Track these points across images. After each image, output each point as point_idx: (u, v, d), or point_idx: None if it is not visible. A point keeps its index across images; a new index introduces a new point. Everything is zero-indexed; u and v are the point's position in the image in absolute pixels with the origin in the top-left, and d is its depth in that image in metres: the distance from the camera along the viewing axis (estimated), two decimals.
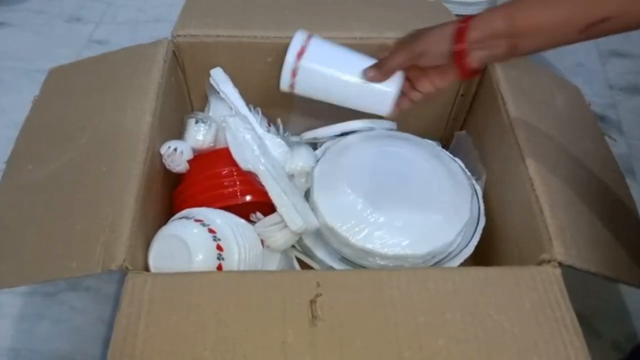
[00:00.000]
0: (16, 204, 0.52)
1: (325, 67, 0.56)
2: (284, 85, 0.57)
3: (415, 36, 0.51)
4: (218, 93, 0.67)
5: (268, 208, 0.57)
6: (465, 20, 0.48)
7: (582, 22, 0.42)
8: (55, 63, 0.67)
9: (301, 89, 0.57)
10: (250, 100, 0.68)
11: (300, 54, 0.55)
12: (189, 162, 0.60)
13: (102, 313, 0.69)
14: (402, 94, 0.56)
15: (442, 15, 0.72)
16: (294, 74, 0.56)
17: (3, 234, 0.50)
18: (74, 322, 0.68)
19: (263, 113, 0.69)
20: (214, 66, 0.67)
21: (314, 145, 0.69)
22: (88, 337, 0.67)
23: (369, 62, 0.55)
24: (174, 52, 0.65)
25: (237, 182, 0.58)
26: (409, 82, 0.56)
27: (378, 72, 0.54)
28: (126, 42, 0.67)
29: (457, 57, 0.48)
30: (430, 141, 0.69)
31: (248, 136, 0.59)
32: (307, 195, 0.61)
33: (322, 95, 0.58)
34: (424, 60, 0.51)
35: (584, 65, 1.05)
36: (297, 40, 0.56)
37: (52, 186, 0.52)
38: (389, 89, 0.55)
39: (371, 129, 0.67)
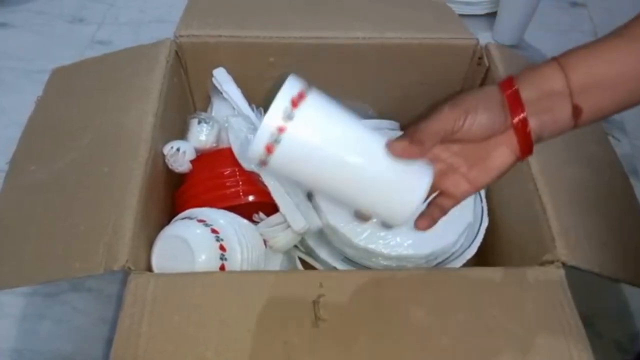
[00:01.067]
0: (18, 204, 0.52)
1: (324, 139, 0.36)
2: (254, 156, 0.36)
3: (453, 100, 0.38)
4: (221, 93, 0.67)
5: (271, 208, 0.57)
6: (509, 81, 0.38)
7: None
8: (57, 64, 0.67)
9: (277, 166, 0.37)
10: (253, 100, 0.68)
11: (287, 115, 0.35)
12: (192, 162, 0.60)
13: (104, 313, 0.68)
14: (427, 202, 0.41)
15: (446, 15, 0.72)
16: (272, 144, 0.35)
17: (5, 234, 0.50)
18: (75, 323, 0.68)
19: (266, 113, 0.69)
20: (216, 66, 0.67)
21: None
22: (90, 338, 0.66)
23: (382, 136, 0.38)
24: (176, 52, 0.65)
25: (240, 182, 0.58)
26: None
27: (410, 145, 0.37)
28: (128, 43, 0.67)
29: (518, 127, 0.37)
30: None
31: (251, 136, 0.59)
32: (310, 195, 0.61)
33: (306, 179, 0.38)
34: (471, 130, 0.37)
35: None
36: (288, 91, 0.36)
37: (54, 186, 0.52)
38: (423, 176, 0.38)
39: (374, 128, 0.67)
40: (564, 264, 0.47)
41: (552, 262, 0.47)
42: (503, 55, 0.65)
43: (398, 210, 0.39)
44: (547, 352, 0.41)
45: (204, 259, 0.50)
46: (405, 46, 0.66)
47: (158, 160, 0.56)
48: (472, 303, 0.44)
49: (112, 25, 1.10)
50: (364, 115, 0.70)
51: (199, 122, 0.62)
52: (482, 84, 0.68)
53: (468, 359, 0.41)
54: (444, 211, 0.42)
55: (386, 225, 0.44)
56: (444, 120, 0.37)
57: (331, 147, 0.36)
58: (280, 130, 0.35)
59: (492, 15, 1.06)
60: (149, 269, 0.50)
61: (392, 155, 0.37)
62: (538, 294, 0.45)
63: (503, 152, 0.39)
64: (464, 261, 0.57)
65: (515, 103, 0.37)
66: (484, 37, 0.90)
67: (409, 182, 0.38)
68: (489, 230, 0.60)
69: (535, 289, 0.45)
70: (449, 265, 0.57)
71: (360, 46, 0.66)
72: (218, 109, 0.68)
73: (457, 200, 0.41)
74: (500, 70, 0.63)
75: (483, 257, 0.60)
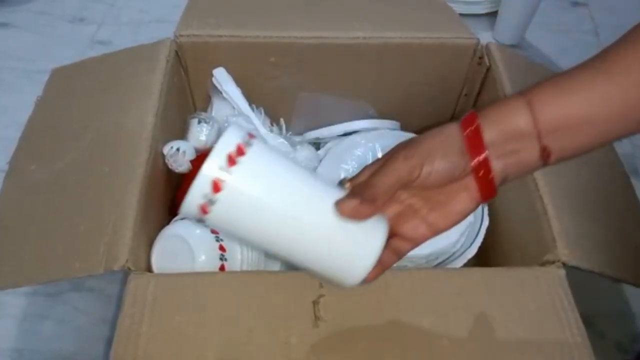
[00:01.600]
0: (18, 204, 0.52)
1: (264, 200, 0.33)
2: (190, 209, 0.33)
3: (407, 147, 0.35)
4: (221, 93, 0.67)
5: None
6: (470, 118, 0.34)
7: None
8: (57, 64, 0.67)
9: (216, 221, 0.34)
10: (253, 100, 0.68)
11: (230, 162, 0.32)
12: (192, 162, 0.60)
13: (106, 313, 0.69)
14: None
15: (446, 15, 0.72)
16: (206, 204, 0.33)
17: (5, 234, 0.50)
18: (77, 323, 0.68)
19: (266, 113, 0.69)
20: (216, 66, 0.67)
21: (317, 145, 0.69)
22: (91, 338, 0.67)
23: (334, 190, 0.35)
24: (176, 52, 0.65)
25: None
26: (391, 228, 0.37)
27: (361, 204, 0.33)
28: (129, 43, 0.67)
29: (478, 171, 0.34)
30: None
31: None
32: None
33: (251, 239, 0.36)
34: (428, 180, 0.34)
35: None
36: (228, 140, 0.33)
37: (54, 186, 0.52)
38: (376, 234, 0.35)
39: (374, 128, 0.67)
40: (564, 264, 0.46)
41: (552, 262, 0.47)
42: (504, 55, 0.64)
43: (349, 273, 0.36)
44: (548, 352, 0.41)
45: (204, 259, 0.50)
46: (405, 46, 0.66)
47: (158, 160, 0.56)
48: (472, 303, 0.44)
49: (113, 25, 1.10)
50: (364, 115, 0.70)
51: (199, 122, 0.62)
52: (483, 83, 0.68)
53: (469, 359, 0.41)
54: (400, 256, 0.38)
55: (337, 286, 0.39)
56: (398, 172, 0.34)
57: (271, 208, 0.33)
58: (216, 189, 0.32)
59: (492, 15, 1.06)
60: (149, 269, 0.50)
61: (344, 217, 0.34)
62: (539, 294, 0.45)
63: (464, 197, 0.36)
64: (465, 261, 0.57)
65: (474, 144, 0.33)
66: (485, 37, 0.91)
67: (361, 243, 0.35)
68: (489, 230, 0.60)
69: (536, 289, 0.45)
70: (449, 265, 0.57)
71: (361, 46, 0.66)
72: (218, 108, 0.68)
73: (414, 244, 0.38)
74: (501, 70, 0.63)
75: (484, 257, 0.60)
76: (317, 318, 0.42)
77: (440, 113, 0.76)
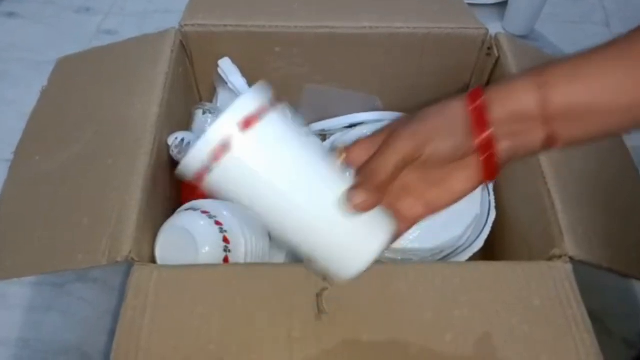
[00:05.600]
0: (23, 195, 0.52)
1: (271, 173, 0.31)
2: (189, 167, 0.31)
3: (411, 124, 0.33)
4: (226, 84, 0.66)
5: None
6: (475, 94, 0.32)
7: None
8: (63, 54, 0.67)
9: (215, 184, 0.32)
10: None
11: (244, 125, 0.30)
12: None
13: (111, 304, 0.69)
14: None
15: (455, 5, 0.70)
16: (215, 157, 0.30)
17: (10, 225, 0.50)
18: (82, 313, 0.68)
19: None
20: (222, 56, 0.67)
21: (322, 136, 0.68)
22: (96, 328, 0.67)
23: (340, 178, 0.33)
24: (181, 42, 0.64)
25: None
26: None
27: (369, 194, 0.31)
28: (135, 33, 0.67)
29: (482, 150, 0.32)
30: None
31: None
32: None
33: (248, 205, 0.33)
34: (431, 159, 0.32)
35: None
36: (248, 101, 0.31)
37: (58, 177, 0.52)
38: (383, 225, 0.34)
39: (380, 120, 0.66)
40: (571, 259, 0.46)
41: (560, 257, 0.46)
42: (513, 46, 0.64)
43: (350, 264, 0.34)
44: (553, 348, 0.41)
45: (208, 250, 0.50)
46: (413, 36, 0.65)
47: (163, 151, 0.56)
48: (477, 298, 0.43)
49: (119, 15, 1.10)
50: (370, 106, 0.70)
51: (204, 113, 0.62)
52: (492, 74, 0.67)
53: (472, 355, 0.41)
54: (395, 238, 0.35)
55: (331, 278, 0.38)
56: (403, 151, 0.32)
57: (273, 185, 0.31)
58: (223, 148, 0.30)
59: (502, 5, 1.05)
60: (153, 260, 0.50)
61: (352, 211, 0.32)
62: (545, 289, 0.44)
63: (465, 176, 0.34)
64: (471, 254, 0.57)
65: (479, 121, 0.31)
66: (494, 27, 0.89)
67: (367, 234, 0.33)
68: (496, 224, 0.59)
69: (542, 284, 0.44)
70: (455, 259, 0.57)
71: (367, 36, 0.65)
72: (223, 99, 0.67)
73: (409, 225, 0.36)
74: (510, 60, 0.62)
75: (490, 251, 0.59)
76: (320, 311, 0.42)
77: None
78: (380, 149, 0.33)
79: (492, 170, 0.33)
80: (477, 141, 0.32)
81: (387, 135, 0.33)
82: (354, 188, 0.32)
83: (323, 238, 0.33)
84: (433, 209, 0.35)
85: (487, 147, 0.32)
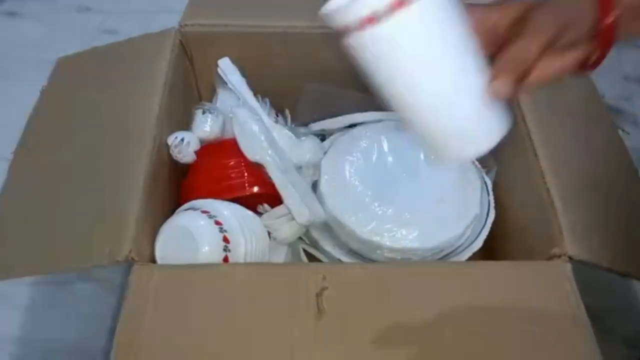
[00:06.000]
0: (23, 194, 0.52)
1: (425, 50, 0.31)
2: (350, 9, 0.30)
3: (552, 7, 0.33)
4: (226, 83, 0.66)
5: (275, 200, 0.57)
6: None
7: None
8: (64, 53, 0.67)
9: (371, 42, 0.31)
10: (258, 90, 0.67)
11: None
12: (196, 153, 0.60)
13: (112, 304, 0.69)
14: None
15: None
16: (392, 7, 0.28)
17: (10, 224, 0.50)
18: (83, 312, 0.69)
19: (271, 104, 0.68)
20: (222, 56, 0.67)
21: (322, 136, 0.68)
22: (97, 327, 0.67)
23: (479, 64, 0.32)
24: (181, 41, 0.64)
25: (245, 174, 0.58)
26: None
27: (510, 81, 0.32)
28: (136, 32, 0.67)
29: (605, 33, 0.32)
30: None
31: (255, 127, 0.59)
32: (315, 187, 0.60)
33: (387, 80, 0.34)
34: (563, 39, 0.32)
35: None
36: None
37: (58, 176, 0.52)
38: (502, 122, 0.35)
39: (380, 120, 0.66)
40: (571, 258, 0.46)
41: (559, 256, 0.46)
42: None
43: (464, 148, 0.35)
44: (553, 347, 0.41)
45: (208, 250, 0.50)
46: None
47: (162, 151, 0.56)
48: (477, 297, 0.44)
49: (120, 14, 1.10)
50: (370, 106, 0.69)
51: (204, 113, 0.62)
52: None
53: (472, 354, 0.41)
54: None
55: (435, 158, 0.38)
56: (546, 35, 0.31)
57: (435, 53, 0.30)
58: (399, 3, 0.27)
59: None
60: (153, 260, 0.50)
61: (492, 96, 0.32)
62: (544, 288, 0.44)
63: (574, 55, 0.34)
64: (470, 254, 0.57)
65: (606, 6, 0.32)
66: None
67: (487, 124, 0.34)
68: (496, 223, 0.59)
69: (542, 283, 0.44)
70: (455, 258, 0.57)
71: None
72: (223, 99, 0.67)
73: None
74: None
75: (490, 250, 0.59)
76: (320, 310, 0.42)
77: None
78: (523, 34, 0.32)
79: (605, 52, 0.33)
80: (603, 21, 0.32)
81: (524, 17, 0.33)
82: (500, 78, 0.32)
83: (454, 115, 0.33)
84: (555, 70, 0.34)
85: (610, 30, 0.32)
